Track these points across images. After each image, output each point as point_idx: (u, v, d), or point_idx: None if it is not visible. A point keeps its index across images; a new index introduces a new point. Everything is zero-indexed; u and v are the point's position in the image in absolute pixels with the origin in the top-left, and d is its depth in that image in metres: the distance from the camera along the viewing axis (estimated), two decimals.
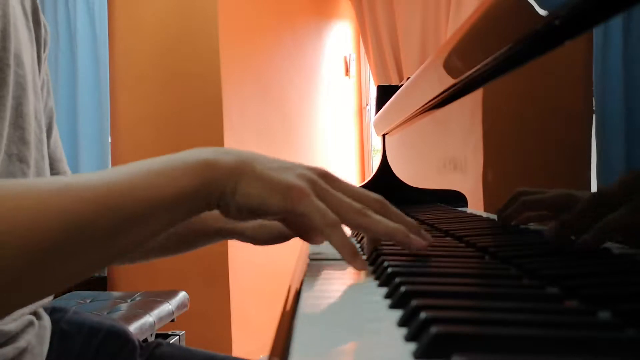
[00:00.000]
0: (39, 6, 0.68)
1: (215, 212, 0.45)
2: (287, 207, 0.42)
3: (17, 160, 0.57)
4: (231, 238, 0.68)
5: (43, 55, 0.69)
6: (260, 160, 0.44)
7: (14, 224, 0.33)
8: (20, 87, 0.58)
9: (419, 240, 0.45)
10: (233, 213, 0.43)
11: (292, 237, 0.62)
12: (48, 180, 0.38)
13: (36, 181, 0.37)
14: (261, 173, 0.42)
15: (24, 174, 0.58)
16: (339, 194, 0.44)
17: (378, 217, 0.44)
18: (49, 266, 0.35)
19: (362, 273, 0.46)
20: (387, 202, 0.47)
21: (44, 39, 0.69)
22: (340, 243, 0.42)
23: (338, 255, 0.46)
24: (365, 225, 0.44)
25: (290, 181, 0.42)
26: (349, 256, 0.43)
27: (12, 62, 0.57)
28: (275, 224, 0.64)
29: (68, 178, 0.38)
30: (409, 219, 0.47)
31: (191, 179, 0.41)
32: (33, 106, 0.61)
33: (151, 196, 0.39)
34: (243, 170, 0.42)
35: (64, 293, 1.94)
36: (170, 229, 0.42)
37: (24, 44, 0.60)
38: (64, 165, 0.73)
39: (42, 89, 0.67)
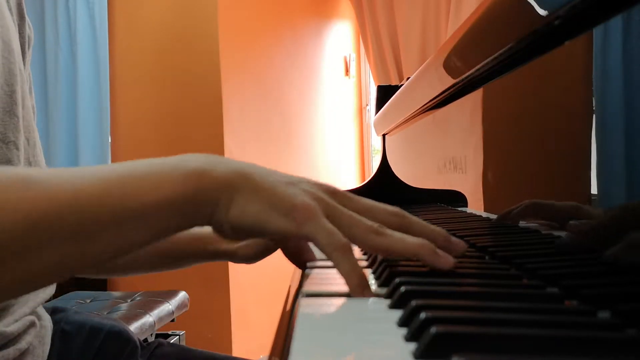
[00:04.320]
0: (23, 0, 0.67)
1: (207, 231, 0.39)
2: (291, 228, 0.37)
3: (15, 147, 0.57)
4: (224, 260, 0.67)
5: (27, 52, 0.68)
6: (262, 173, 0.39)
7: None
8: (12, 74, 0.58)
9: (446, 258, 0.38)
10: (227, 232, 0.39)
11: (275, 250, 0.60)
12: (15, 172, 0.35)
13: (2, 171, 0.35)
14: (262, 187, 0.38)
15: (19, 161, 0.58)
16: (351, 212, 0.39)
17: (397, 234, 0.39)
18: (7, 264, 0.33)
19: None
20: (406, 215, 0.41)
21: (28, 36, 0.68)
22: (349, 270, 0.37)
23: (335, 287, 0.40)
24: (383, 246, 0.38)
25: (295, 198, 0.37)
26: (357, 287, 0.37)
27: (0, 47, 0.56)
28: (259, 240, 0.60)
29: (37, 172, 0.36)
30: (435, 228, 0.41)
31: (178, 188, 0.36)
32: (24, 95, 0.61)
33: (127, 202, 0.35)
34: (240, 183, 0.37)
35: (63, 293, 1.94)
36: (155, 241, 0.38)
37: (12, 33, 0.60)
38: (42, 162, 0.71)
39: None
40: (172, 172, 0.37)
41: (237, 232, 0.39)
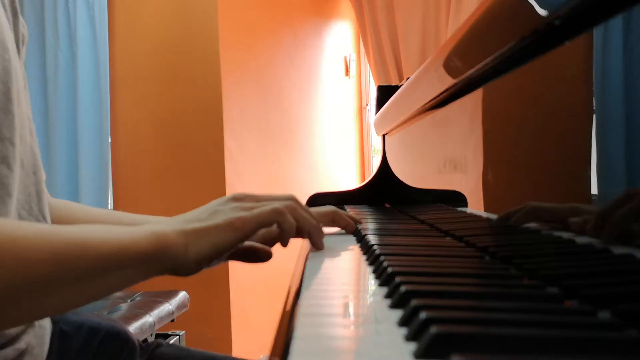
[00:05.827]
0: None
1: None
2: (237, 235, 0.51)
3: (10, 144, 0.57)
4: None
5: (22, 50, 0.68)
6: (193, 219, 0.52)
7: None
8: (7, 72, 0.58)
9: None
10: (192, 267, 0.50)
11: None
12: (38, 227, 0.43)
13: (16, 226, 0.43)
14: (201, 229, 0.50)
15: (14, 157, 0.58)
16: (255, 203, 0.55)
17: (290, 216, 0.55)
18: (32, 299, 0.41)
19: (363, 273, 0.46)
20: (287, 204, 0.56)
21: (22, 34, 0.68)
22: (291, 220, 0.54)
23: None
24: (287, 219, 0.54)
25: (227, 219, 0.51)
26: (288, 230, 0.54)
27: None
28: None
29: (39, 232, 0.44)
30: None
31: (145, 245, 0.47)
32: (19, 92, 0.61)
33: (107, 256, 0.45)
34: (186, 234, 0.50)
35: None
36: (128, 287, 0.49)
37: (6, 30, 0.60)
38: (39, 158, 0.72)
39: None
40: (140, 235, 0.48)
41: (200, 264, 0.50)
